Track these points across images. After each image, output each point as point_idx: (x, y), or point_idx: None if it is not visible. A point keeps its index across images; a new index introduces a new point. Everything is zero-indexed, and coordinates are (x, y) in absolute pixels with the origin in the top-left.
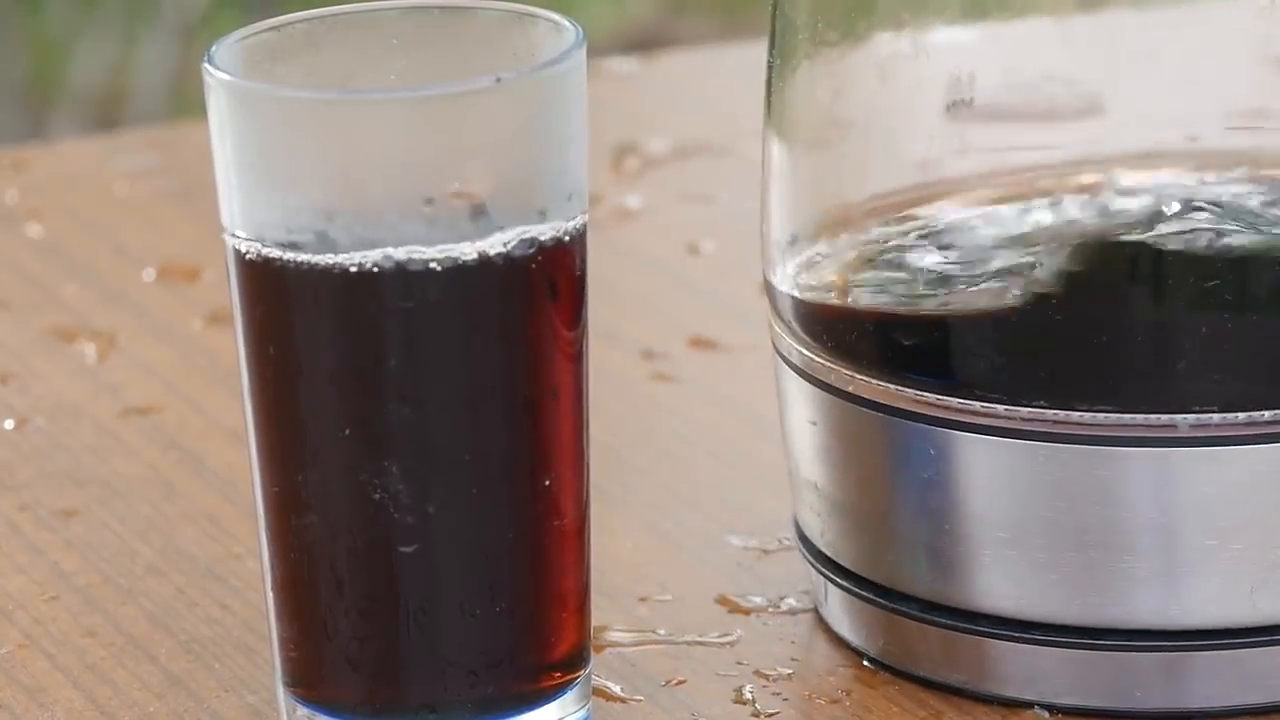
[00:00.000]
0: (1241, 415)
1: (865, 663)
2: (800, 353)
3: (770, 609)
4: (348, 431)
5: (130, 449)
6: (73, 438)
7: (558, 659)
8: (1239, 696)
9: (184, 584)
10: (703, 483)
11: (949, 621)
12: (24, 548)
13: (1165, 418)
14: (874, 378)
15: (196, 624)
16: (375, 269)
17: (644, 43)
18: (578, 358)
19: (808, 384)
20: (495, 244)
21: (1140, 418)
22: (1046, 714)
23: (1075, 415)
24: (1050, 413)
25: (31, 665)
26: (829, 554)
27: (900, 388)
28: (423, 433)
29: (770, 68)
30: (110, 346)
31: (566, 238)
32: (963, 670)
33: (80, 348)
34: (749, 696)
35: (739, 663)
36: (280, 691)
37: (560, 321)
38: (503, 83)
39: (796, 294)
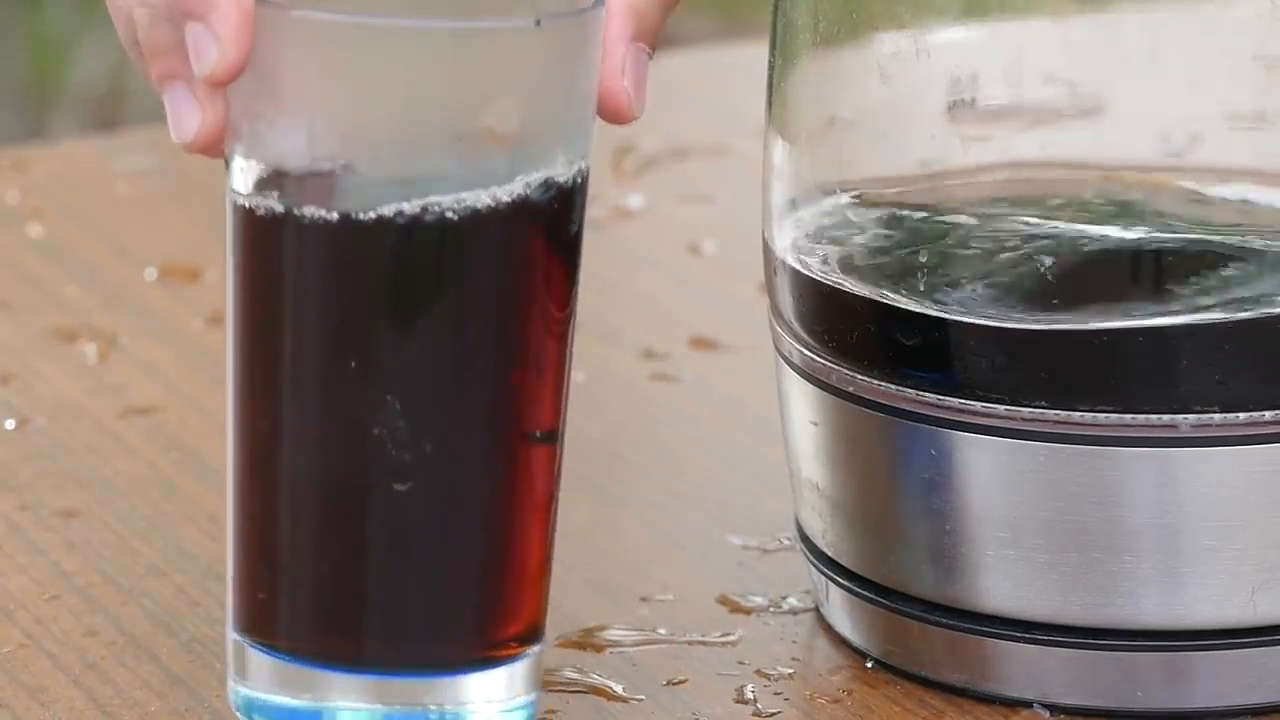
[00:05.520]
0: (1242, 415)
1: (867, 663)
2: (801, 353)
3: (771, 609)
4: (354, 364)
5: (131, 449)
6: (74, 438)
7: (515, 627)
8: (1240, 696)
9: (185, 584)
10: (704, 482)
11: (950, 621)
12: (25, 547)
13: (1166, 418)
14: (875, 378)
15: (197, 624)
16: (394, 210)
17: None
18: (572, 314)
19: (808, 384)
20: (518, 185)
21: (1141, 418)
22: (1047, 714)
23: (1076, 415)
24: (1051, 413)
25: (33, 665)
26: (830, 554)
27: (901, 388)
28: (428, 369)
29: (771, 68)
30: (111, 346)
31: (580, 181)
32: (964, 670)
33: (81, 348)
34: (750, 696)
35: (740, 662)
36: (233, 638)
37: (565, 270)
38: (542, 25)
39: (797, 293)
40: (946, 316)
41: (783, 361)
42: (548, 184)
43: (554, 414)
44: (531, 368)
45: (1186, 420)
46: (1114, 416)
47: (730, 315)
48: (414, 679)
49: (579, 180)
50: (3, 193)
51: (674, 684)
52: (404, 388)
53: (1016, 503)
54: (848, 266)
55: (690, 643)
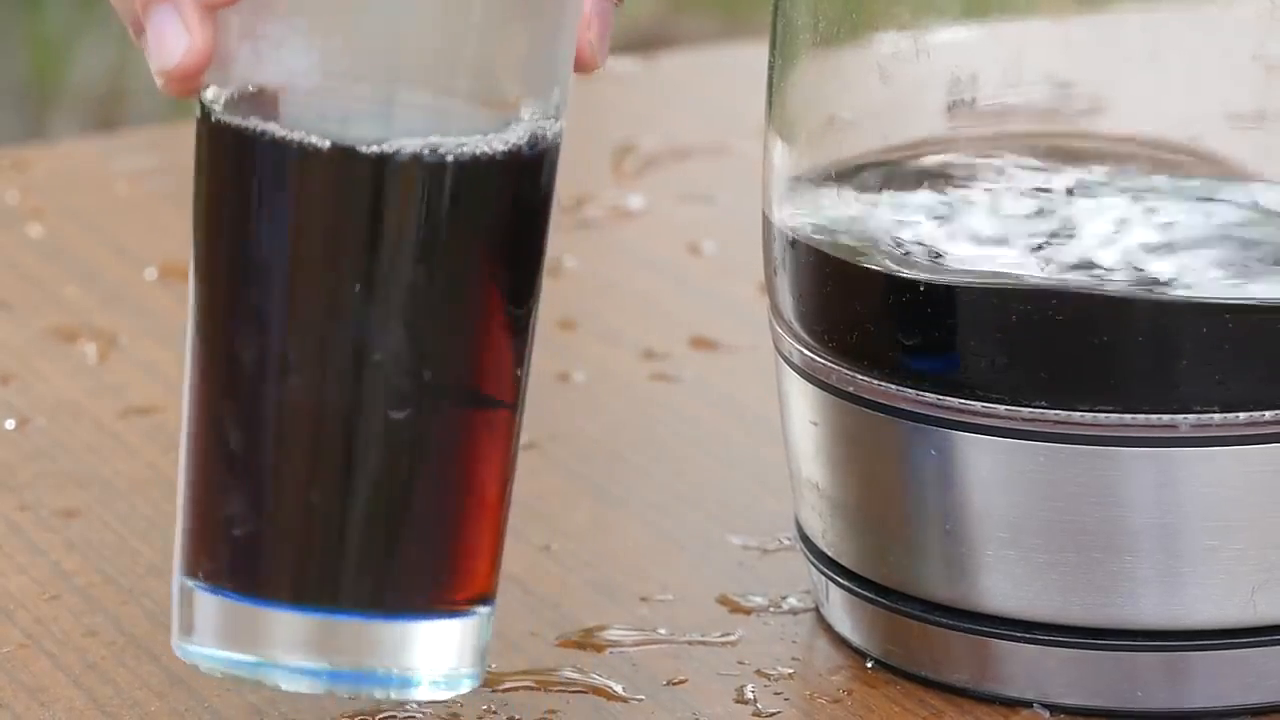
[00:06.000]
0: (1242, 415)
1: (867, 663)
2: (801, 353)
3: (771, 609)
4: (357, 289)
5: (131, 449)
6: (74, 438)
7: (472, 577)
8: (1240, 696)
9: None
10: (703, 482)
11: (950, 621)
12: (25, 547)
13: (1166, 418)
14: (875, 378)
15: None
16: (396, 153)
17: (644, 43)
18: (540, 272)
19: (808, 384)
20: (517, 131)
21: (1141, 418)
22: (1047, 714)
23: (1076, 415)
24: (1051, 413)
25: (33, 665)
26: (830, 554)
27: (901, 388)
28: (429, 298)
29: (771, 68)
30: (111, 346)
31: (562, 132)
32: (964, 670)
33: (81, 348)
34: (750, 696)
35: (740, 662)
36: (181, 584)
37: (547, 216)
38: None
39: (797, 293)
40: (947, 316)
41: (783, 361)
42: (538, 135)
43: (527, 367)
44: (523, 308)
45: (1186, 420)
46: (1114, 416)
47: (730, 315)
48: (366, 621)
49: (561, 131)
50: (3, 193)
51: (674, 684)
52: (406, 314)
53: (1016, 503)
54: (847, 266)
55: (690, 643)
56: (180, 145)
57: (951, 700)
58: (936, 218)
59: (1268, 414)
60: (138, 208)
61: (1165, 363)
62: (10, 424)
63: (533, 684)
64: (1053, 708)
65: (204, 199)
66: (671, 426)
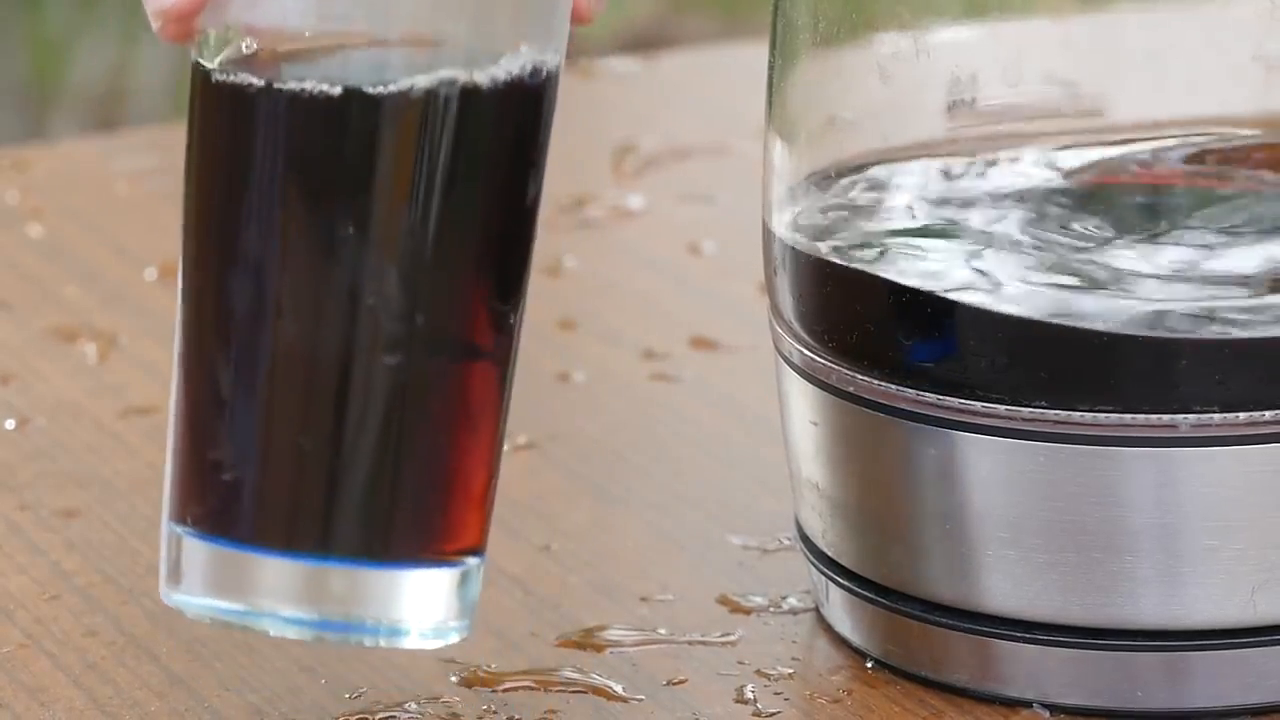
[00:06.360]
0: (1242, 415)
1: (867, 663)
2: (801, 353)
3: (771, 609)
4: (351, 232)
5: (131, 449)
6: (74, 438)
7: (463, 528)
8: (1240, 696)
9: None
10: (703, 482)
11: (950, 621)
12: (25, 547)
13: (1166, 418)
14: (875, 378)
15: (197, 624)
16: (406, 85)
17: (644, 43)
18: (535, 214)
19: (808, 384)
20: (518, 65)
21: (1141, 418)
22: (1047, 714)
23: (1076, 415)
24: (1051, 413)
25: (33, 665)
26: (830, 554)
27: (901, 388)
28: (424, 242)
29: (771, 68)
30: (111, 346)
31: (559, 69)
32: (964, 670)
33: (81, 348)
34: (750, 696)
35: (740, 662)
36: (170, 531)
37: (539, 164)
38: None
39: (797, 292)
40: (947, 316)
41: (783, 361)
42: (538, 66)
43: (521, 313)
44: (515, 249)
45: (1186, 420)
46: (1114, 416)
47: (730, 315)
48: (353, 568)
49: (561, 66)
50: (3, 193)
51: (674, 684)
52: (400, 259)
53: (1016, 503)
54: (847, 266)
55: (690, 643)
56: (180, 145)
57: (951, 700)
58: (939, 216)
59: (1268, 414)
60: (138, 208)
61: (1165, 363)
62: (10, 424)
63: (533, 684)
64: (1053, 708)
65: (196, 144)
66: (671, 426)
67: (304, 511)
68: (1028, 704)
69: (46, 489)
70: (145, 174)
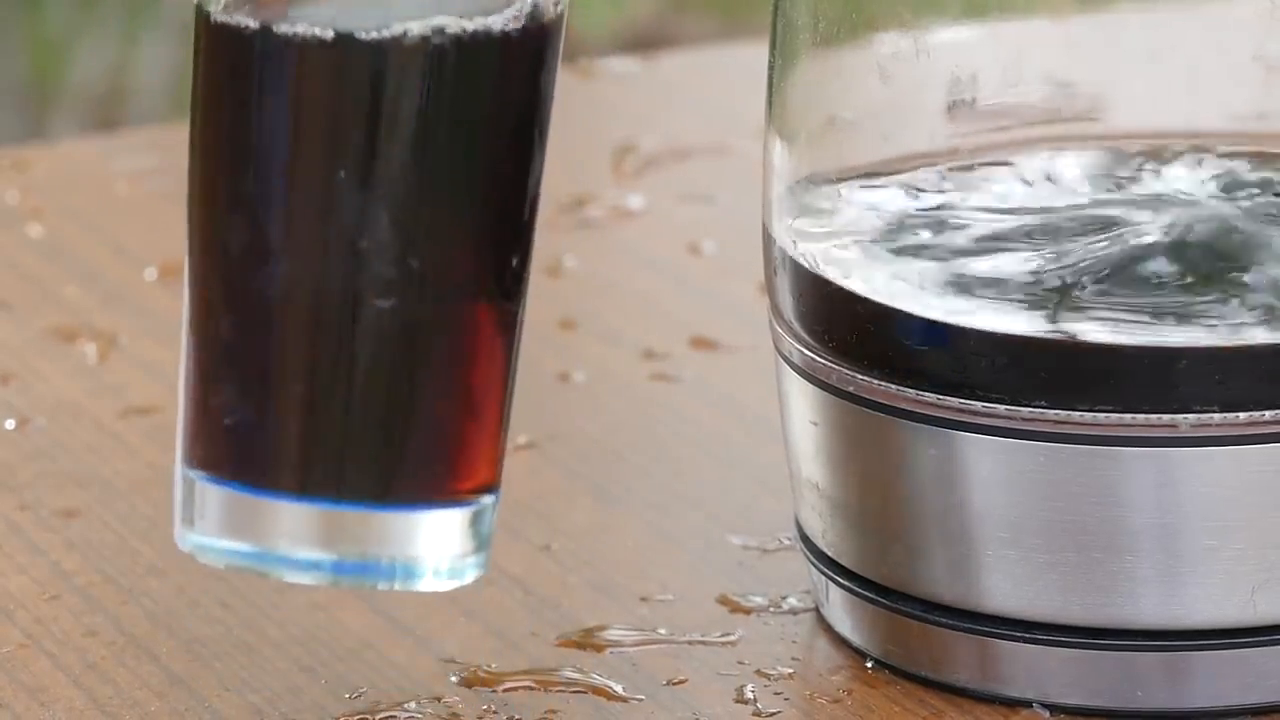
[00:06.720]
0: (1242, 415)
1: (867, 663)
2: (801, 353)
3: (771, 609)
4: (343, 175)
5: (131, 449)
6: (74, 438)
7: (471, 468)
8: (1240, 696)
9: (185, 583)
10: (703, 482)
11: (950, 621)
12: (25, 547)
13: (1166, 418)
14: (875, 378)
15: (197, 623)
16: (400, 30)
17: (644, 43)
18: (540, 159)
19: (808, 384)
20: (519, 6)
21: (1141, 418)
22: (1047, 714)
23: (1076, 415)
24: (1051, 413)
25: (33, 665)
26: (830, 554)
27: (901, 388)
28: (418, 185)
29: (771, 68)
30: (111, 346)
31: (563, 14)
32: (964, 670)
33: (81, 348)
34: (750, 696)
35: (740, 662)
36: (185, 475)
37: (544, 110)
38: None
39: (797, 293)
40: (947, 316)
41: (783, 361)
42: (541, 8)
43: (525, 258)
44: (514, 197)
45: (1186, 420)
46: (1114, 416)
47: (730, 315)
48: (366, 510)
49: (565, 12)
50: (3, 193)
51: (674, 684)
52: (393, 202)
53: (1016, 503)
54: (847, 266)
55: (690, 643)
56: (180, 145)
57: (951, 700)
58: (939, 218)
59: (1268, 414)
60: (138, 208)
61: (1165, 363)
62: (10, 424)
63: (533, 684)
64: (1053, 708)
65: (200, 91)
66: (671, 426)
67: (315, 455)
68: (1028, 704)
69: (46, 489)
70: (145, 174)
